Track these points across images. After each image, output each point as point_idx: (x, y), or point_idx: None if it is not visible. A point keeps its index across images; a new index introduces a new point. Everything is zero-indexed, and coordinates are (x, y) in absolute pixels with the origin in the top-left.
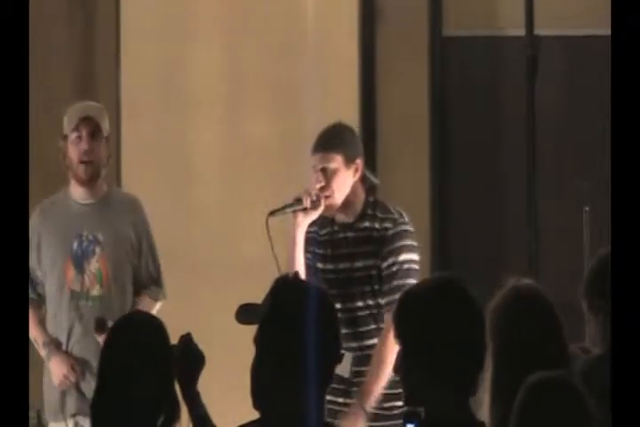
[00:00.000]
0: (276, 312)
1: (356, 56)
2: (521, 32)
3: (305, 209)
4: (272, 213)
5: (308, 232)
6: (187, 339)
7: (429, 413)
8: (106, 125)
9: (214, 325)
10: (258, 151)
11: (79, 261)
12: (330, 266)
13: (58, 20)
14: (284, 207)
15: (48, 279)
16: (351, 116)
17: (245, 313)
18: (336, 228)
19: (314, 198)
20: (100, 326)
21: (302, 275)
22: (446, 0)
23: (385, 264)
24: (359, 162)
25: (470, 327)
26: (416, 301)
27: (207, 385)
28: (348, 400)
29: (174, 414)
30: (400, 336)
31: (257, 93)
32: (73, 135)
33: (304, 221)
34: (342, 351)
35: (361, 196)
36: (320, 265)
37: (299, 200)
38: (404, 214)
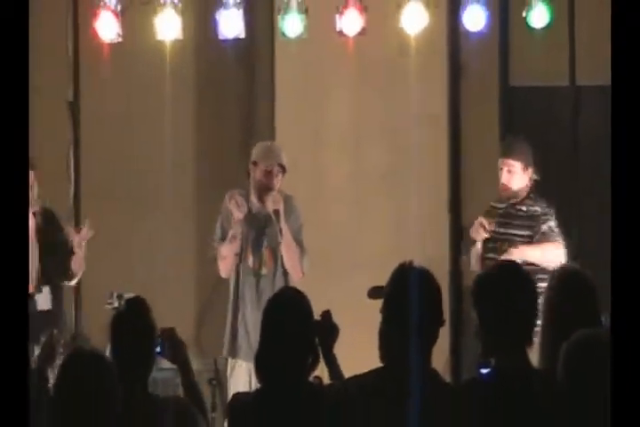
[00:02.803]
0: (395, 290)
1: (446, 102)
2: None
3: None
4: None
5: (494, 207)
6: (327, 315)
7: (498, 361)
8: (285, 164)
9: (351, 302)
10: (376, 175)
11: (255, 248)
12: (501, 229)
13: (226, 78)
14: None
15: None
16: (441, 147)
17: (374, 292)
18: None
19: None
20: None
21: None
22: (512, 58)
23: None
24: (530, 170)
25: (527, 299)
26: (487, 281)
27: (342, 347)
28: None
29: (317, 359)
30: (477, 308)
31: (375, 131)
32: (270, 168)
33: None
34: (444, 318)
35: (526, 189)
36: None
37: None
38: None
